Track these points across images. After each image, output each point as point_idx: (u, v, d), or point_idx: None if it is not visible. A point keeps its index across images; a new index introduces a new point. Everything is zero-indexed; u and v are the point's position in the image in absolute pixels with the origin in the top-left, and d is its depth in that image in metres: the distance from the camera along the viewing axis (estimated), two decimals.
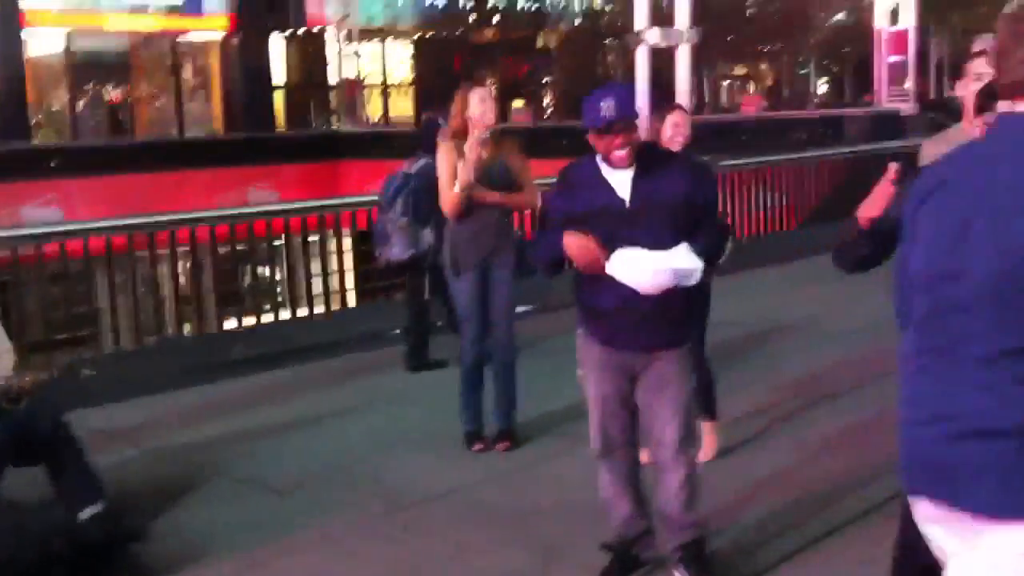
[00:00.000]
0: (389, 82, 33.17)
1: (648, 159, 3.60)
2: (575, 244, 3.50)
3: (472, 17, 33.23)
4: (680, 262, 3.52)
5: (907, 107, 18.48)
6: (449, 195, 5.25)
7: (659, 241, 3.51)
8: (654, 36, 10.80)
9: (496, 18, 33.39)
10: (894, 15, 18.70)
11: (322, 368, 7.25)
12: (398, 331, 8.05)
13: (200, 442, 5.68)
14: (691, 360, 3.83)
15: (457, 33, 33.26)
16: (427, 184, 5.86)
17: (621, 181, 3.57)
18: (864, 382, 6.12)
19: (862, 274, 3.23)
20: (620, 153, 3.52)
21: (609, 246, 3.51)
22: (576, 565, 4.02)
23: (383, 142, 26.36)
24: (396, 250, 6.71)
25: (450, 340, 6.31)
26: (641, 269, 3.50)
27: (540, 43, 35.01)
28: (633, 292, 3.52)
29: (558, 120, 26.48)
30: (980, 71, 3.46)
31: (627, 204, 3.56)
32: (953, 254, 2.05)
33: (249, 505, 4.83)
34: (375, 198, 11.43)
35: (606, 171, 3.59)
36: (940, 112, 20.67)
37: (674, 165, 3.73)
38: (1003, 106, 2.08)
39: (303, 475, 5.15)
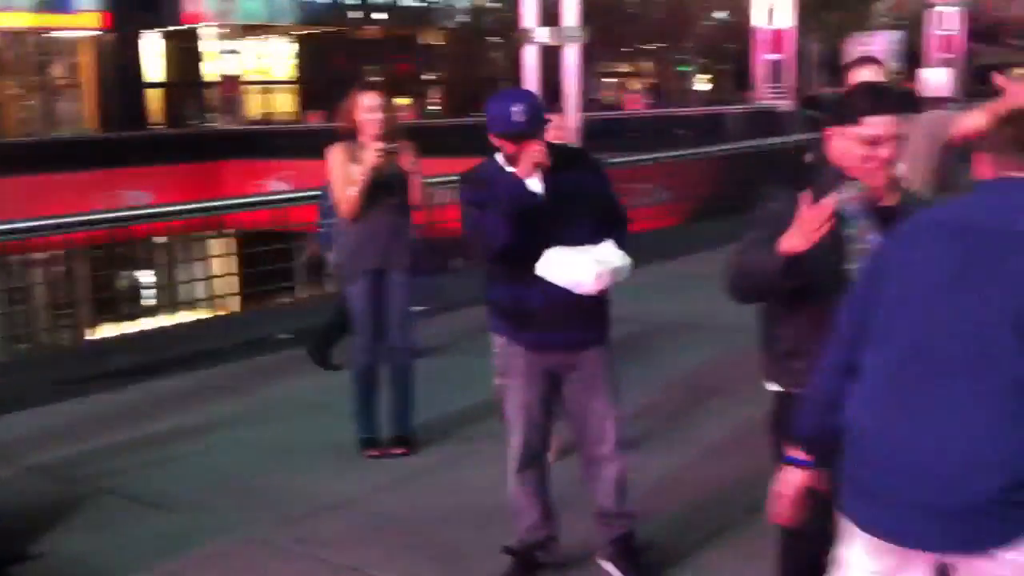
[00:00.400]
0: (270, 79, 32.63)
1: (554, 157, 3.56)
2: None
3: (354, 14, 32.89)
4: (614, 260, 3.51)
5: (785, 104, 18.97)
6: (344, 197, 5.13)
7: (581, 236, 3.50)
8: (543, 34, 10.76)
9: (380, 15, 33.12)
10: (771, 14, 19.17)
11: (208, 376, 7.01)
12: (285, 336, 7.90)
13: (81, 458, 5.41)
14: (611, 357, 3.82)
15: (340, 30, 32.88)
16: None
17: (534, 180, 3.53)
18: (750, 380, 6.19)
19: None
20: (531, 159, 3.48)
21: (530, 243, 3.46)
22: (480, 571, 3.95)
23: (265, 141, 25.89)
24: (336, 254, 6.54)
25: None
26: (581, 270, 3.47)
27: (425, 40, 34.89)
28: (559, 288, 3.48)
29: (445, 118, 26.38)
30: (863, 79, 3.75)
31: (547, 201, 3.52)
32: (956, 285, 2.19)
33: (135, 524, 4.61)
34: (260, 198, 11.18)
35: (512, 169, 3.54)
36: (816, 109, 21.27)
37: (579, 161, 3.74)
38: None
39: (191, 490, 4.95)
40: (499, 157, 3.60)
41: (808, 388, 2.50)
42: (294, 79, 33.23)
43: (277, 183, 22.98)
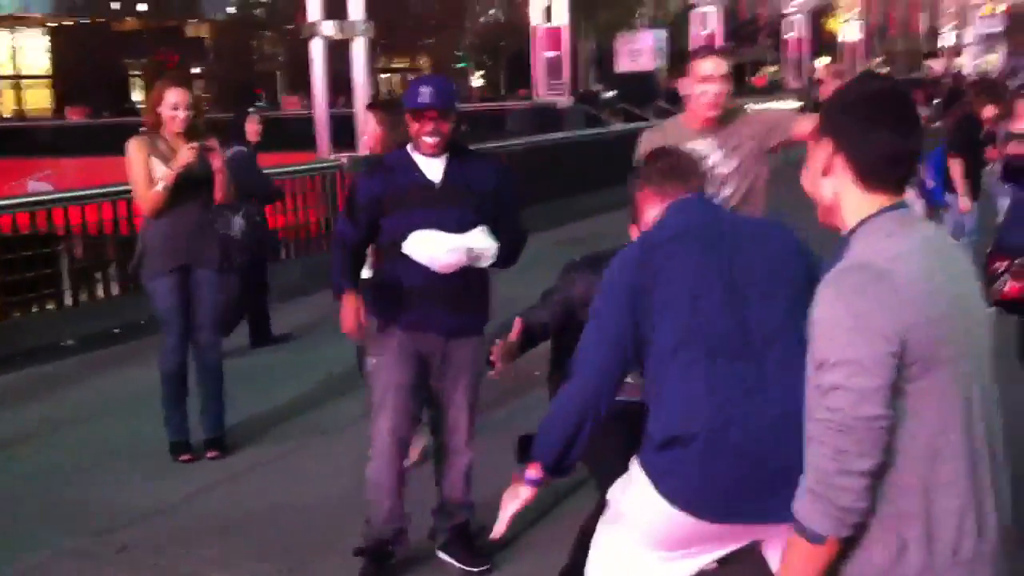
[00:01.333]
0: (23, 74, 30.67)
1: (459, 152, 3.75)
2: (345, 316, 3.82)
3: (114, 5, 31.42)
4: (475, 242, 3.62)
5: (563, 100, 19.53)
6: (147, 193, 4.94)
7: (462, 225, 3.62)
8: (329, 28, 10.68)
9: (142, 6, 31.77)
10: (548, 12, 19.70)
11: None
12: (71, 342, 7.51)
13: None
14: (483, 349, 3.85)
15: (99, 21, 31.28)
16: (234, 172, 5.41)
17: (433, 167, 3.68)
18: None
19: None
20: (429, 140, 3.63)
21: (414, 226, 3.60)
22: (321, 568, 3.92)
23: (20, 137, 24.35)
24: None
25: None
26: (436, 245, 3.59)
27: (191, 32, 33.71)
28: (438, 275, 3.60)
29: (217, 111, 25.55)
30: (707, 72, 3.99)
31: (436, 186, 3.67)
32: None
33: None
34: (19, 200, 10.46)
35: (418, 157, 3.70)
36: (591, 104, 22.01)
37: (483, 161, 3.93)
38: None
39: None
40: (410, 145, 3.76)
41: (555, 419, 2.59)
42: (51, 73, 31.36)
43: (35, 183, 21.67)
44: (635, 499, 2.50)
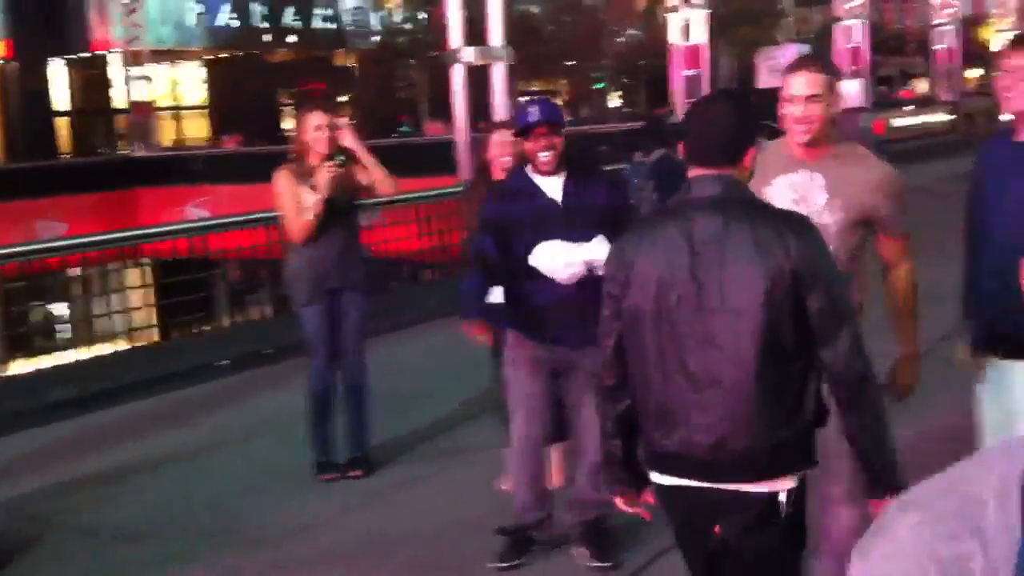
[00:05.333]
0: (182, 105, 32.14)
1: (576, 170, 3.91)
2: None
3: (266, 37, 32.63)
4: (592, 253, 3.74)
5: None
6: (297, 222, 5.10)
7: (586, 239, 3.79)
8: (470, 54, 10.89)
9: (292, 38, 32.90)
10: (686, 31, 19.60)
11: (145, 408, 6.87)
12: (225, 362, 7.80)
13: (32, 493, 5.27)
14: None
15: (252, 53, 32.55)
16: (668, 170, 6.97)
17: (552, 186, 3.85)
18: None
19: None
20: (544, 156, 3.79)
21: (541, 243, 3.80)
22: None
23: (179, 167, 25.47)
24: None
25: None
26: (556, 258, 3.76)
27: (339, 62, 34.75)
28: (565, 290, 3.77)
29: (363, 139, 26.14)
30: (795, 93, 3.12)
31: (560, 206, 3.85)
32: None
33: (99, 557, 4.52)
34: (179, 226, 10.99)
35: (537, 178, 3.87)
36: None
37: (600, 177, 4.09)
38: None
39: (152, 522, 4.86)
40: (529, 167, 3.94)
41: None
42: (207, 104, 32.77)
43: (195, 209, 22.64)
44: None
